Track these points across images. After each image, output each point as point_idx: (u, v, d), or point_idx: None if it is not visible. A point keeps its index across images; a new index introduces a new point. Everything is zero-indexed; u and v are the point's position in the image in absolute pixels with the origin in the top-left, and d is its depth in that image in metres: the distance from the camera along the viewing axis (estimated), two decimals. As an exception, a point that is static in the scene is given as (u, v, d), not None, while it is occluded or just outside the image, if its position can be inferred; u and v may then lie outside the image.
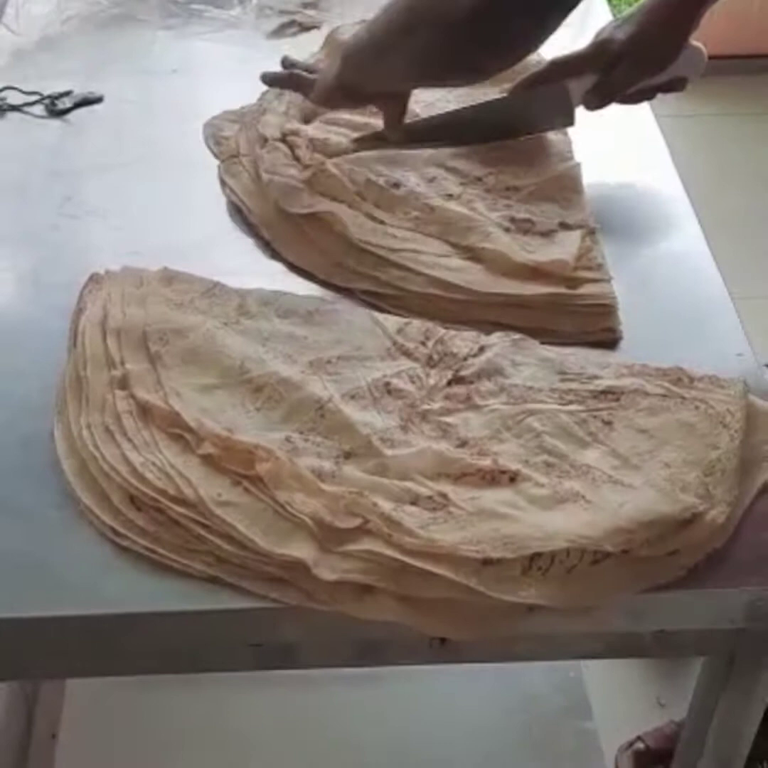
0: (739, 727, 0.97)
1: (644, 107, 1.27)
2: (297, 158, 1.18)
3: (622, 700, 1.67)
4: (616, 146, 1.25)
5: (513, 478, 0.88)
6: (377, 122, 1.20)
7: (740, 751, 1.00)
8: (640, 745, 1.57)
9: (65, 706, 1.57)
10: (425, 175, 1.16)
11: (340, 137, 1.21)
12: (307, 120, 1.25)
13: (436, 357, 0.99)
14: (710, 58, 1.17)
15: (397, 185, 1.14)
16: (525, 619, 0.82)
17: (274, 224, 1.14)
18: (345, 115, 1.23)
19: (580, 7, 1.04)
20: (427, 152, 1.20)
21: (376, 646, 0.87)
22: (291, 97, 1.25)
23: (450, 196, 1.13)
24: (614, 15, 1.48)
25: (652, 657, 0.95)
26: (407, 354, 0.99)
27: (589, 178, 1.17)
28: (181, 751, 1.52)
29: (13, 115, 1.32)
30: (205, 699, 1.56)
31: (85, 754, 1.53)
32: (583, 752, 1.46)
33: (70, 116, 1.32)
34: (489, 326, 1.02)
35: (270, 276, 1.09)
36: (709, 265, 1.11)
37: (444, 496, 0.86)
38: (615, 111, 1.19)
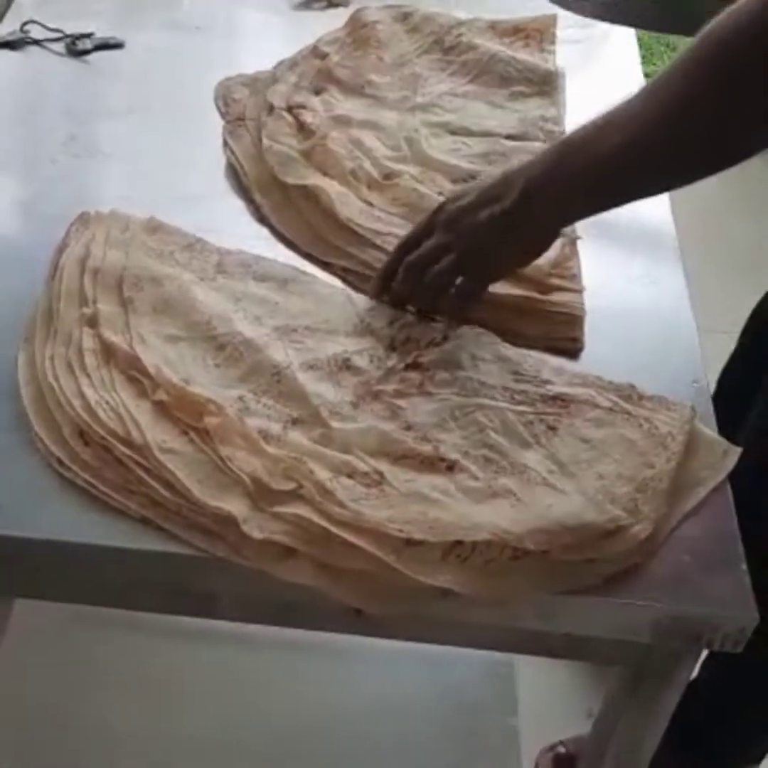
0: (639, 740, 1.00)
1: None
2: (300, 129, 1.20)
3: (551, 706, 1.69)
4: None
5: (450, 467, 0.91)
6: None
7: (639, 765, 1.02)
8: (562, 750, 1.59)
9: (9, 630, 1.60)
10: (419, 168, 1.18)
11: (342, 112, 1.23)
12: (317, 92, 1.27)
13: (399, 340, 1.01)
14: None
15: (389, 177, 1.16)
16: (439, 603, 0.84)
17: (267, 190, 1.16)
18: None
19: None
20: (425, 151, 1.22)
21: (294, 609, 0.89)
22: (304, 68, 1.27)
23: (441, 193, 1.15)
24: (640, 46, 1.50)
25: (561, 658, 0.97)
26: (372, 333, 1.02)
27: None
28: (104, 691, 1.55)
29: (33, 49, 1.34)
30: (145, 645, 1.58)
31: (20, 679, 1.55)
32: (502, 748, 1.48)
33: (89, 58, 1.34)
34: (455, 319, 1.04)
35: (254, 240, 1.11)
36: (682, 292, 1.13)
37: (380, 474, 0.89)
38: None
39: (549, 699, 1.67)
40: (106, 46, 1.35)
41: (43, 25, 1.35)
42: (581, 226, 1.14)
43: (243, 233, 1.12)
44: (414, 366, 0.99)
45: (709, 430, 0.97)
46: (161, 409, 0.92)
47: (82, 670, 1.59)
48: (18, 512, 0.87)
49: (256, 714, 1.54)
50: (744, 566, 0.89)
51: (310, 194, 1.14)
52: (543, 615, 0.87)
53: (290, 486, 0.87)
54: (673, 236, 1.19)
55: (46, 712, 1.53)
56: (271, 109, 1.22)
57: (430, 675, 1.54)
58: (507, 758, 1.49)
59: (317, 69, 1.29)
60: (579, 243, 1.12)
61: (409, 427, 0.94)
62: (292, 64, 1.30)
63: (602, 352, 1.05)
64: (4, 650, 1.58)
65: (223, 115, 1.27)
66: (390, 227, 1.12)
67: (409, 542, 0.84)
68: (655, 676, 0.94)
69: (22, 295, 1.02)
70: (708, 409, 1.00)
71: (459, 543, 0.85)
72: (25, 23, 1.35)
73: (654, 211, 1.22)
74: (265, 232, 1.14)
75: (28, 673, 1.57)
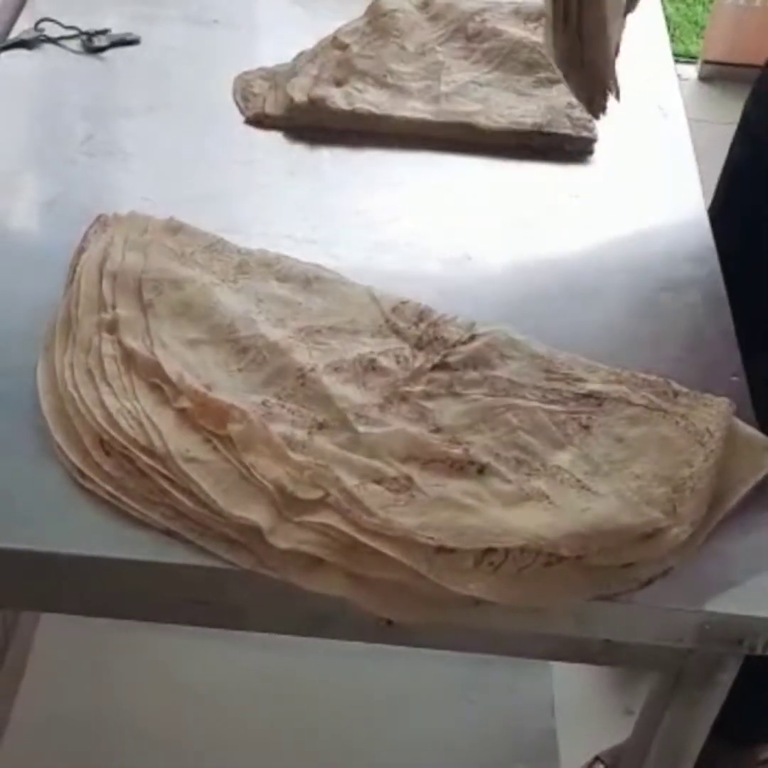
0: (682, 746, 0.97)
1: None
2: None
3: (588, 703, 1.66)
4: (645, 158, 1.25)
5: (481, 470, 0.88)
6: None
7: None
8: (600, 766, 1.55)
9: (37, 637, 1.59)
10: None
11: (365, 104, 1.21)
12: (338, 84, 1.24)
13: (425, 339, 0.98)
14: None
15: None
16: (471, 612, 0.82)
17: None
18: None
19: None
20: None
21: (323, 620, 0.87)
22: (323, 60, 1.25)
23: None
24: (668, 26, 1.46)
25: (599, 664, 0.95)
26: (398, 333, 0.99)
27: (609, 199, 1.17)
28: (141, 699, 1.54)
29: (48, 47, 1.32)
30: (175, 648, 1.57)
31: (50, 686, 1.54)
32: (539, 748, 1.46)
33: (105, 55, 1.32)
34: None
35: (275, 239, 1.09)
36: (719, 288, 1.09)
37: (409, 479, 0.86)
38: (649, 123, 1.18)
39: (586, 696, 1.65)
40: (122, 42, 1.33)
41: (58, 23, 1.33)
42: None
43: (265, 232, 1.10)
44: (442, 366, 0.96)
45: (748, 426, 0.94)
46: (184, 416, 0.89)
47: (112, 673, 1.59)
48: (39, 526, 0.85)
49: (288, 712, 1.53)
50: (788, 567, 0.86)
51: None
52: (579, 621, 0.85)
53: (317, 494, 0.84)
54: (707, 230, 1.16)
55: (78, 715, 1.53)
56: (291, 102, 1.20)
57: (463, 676, 1.52)
58: (545, 758, 1.47)
59: (337, 60, 1.26)
60: (608, 236, 1.09)
61: (438, 430, 0.91)
62: (311, 55, 1.27)
63: (635, 347, 1.03)
64: (35, 653, 1.58)
65: (242, 111, 1.25)
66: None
67: (440, 550, 0.82)
68: (696, 680, 0.91)
69: (42, 301, 1.00)
70: (746, 403, 0.97)
71: (491, 550, 0.82)
72: (40, 21, 1.33)
73: (685, 196, 1.19)
74: (287, 230, 1.11)
75: (59, 676, 1.57)
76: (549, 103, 1.24)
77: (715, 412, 0.93)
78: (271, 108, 1.22)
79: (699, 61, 3.05)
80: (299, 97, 1.20)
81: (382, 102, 1.22)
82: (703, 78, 3.01)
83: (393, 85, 1.24)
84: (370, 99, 1.22)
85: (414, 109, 1.22)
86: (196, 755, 1.48)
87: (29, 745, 1.49)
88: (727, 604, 0.84)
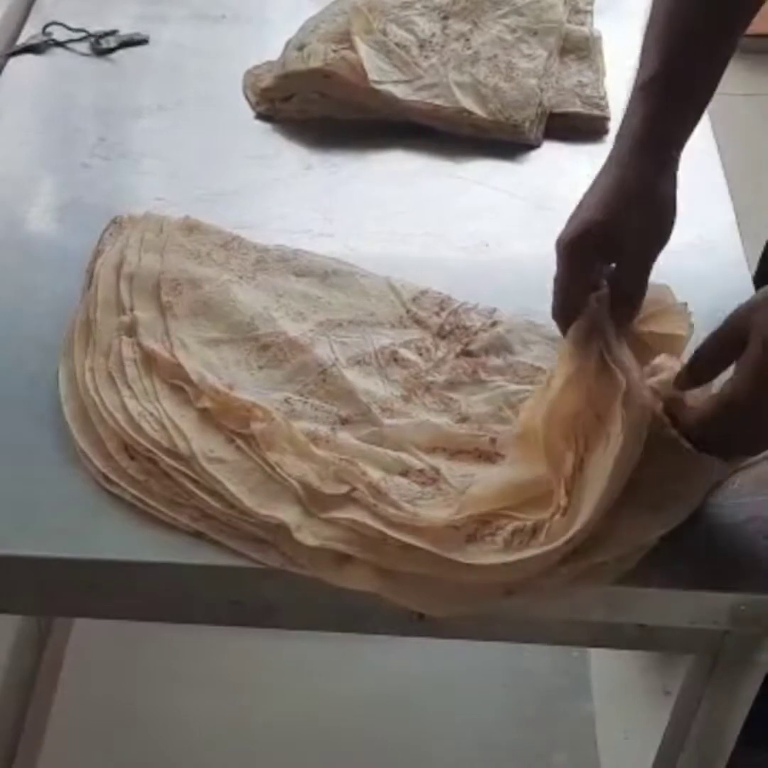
0: (722, 728, 0.96)
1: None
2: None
3: (627, 684, 1.65)
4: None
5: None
6: None
7: (722, 752, 0.98)
8: None
9: (71, 639, 1.59)
10: None
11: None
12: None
13: (447, 328, 0.98)
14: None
15: None
16: (502, 601, 0.81)
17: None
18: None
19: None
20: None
21: (355, 615, 0.86)
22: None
23: None
24: None
25: (635, 649, 0.94)
26: (419, 323, 0.98)
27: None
28: (179, 694, 1.54)
29: (57, 51, 1.32)
30: (210, 642, 1.57)
31: (86, 686, 1.55)
32: (577, 735, 1.45)
33: (114, 56, 1.31)
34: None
35: (292, 234, 1.08)
36: (742, 267, 1.08)
37: (436, 470, 0.86)
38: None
39: (623, 678, 1.64)
40: (130, 42, 1.32)
41: (65, 26, 1.33)
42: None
43: (281, 228, 1.09)
44: (465, 354, 0.95)
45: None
46: (206, 417, 0.89)
47: (156, 666, 1.59)
48: (66, 533, 0.84)
49: (325, 699, 1.52)
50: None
51: None
52: (612, 607, 0.84)
53: (342, 489, 0.83)
54: (727, 199, 1.14)
55: (123, 709, 1.53)
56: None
57: (500, 662, 1.52)
58: (583, 745, 1.46)
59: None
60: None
61: (464, 419, 0.90)
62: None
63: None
64: (70, 649, 1.58)
65: (252, 106, 1.24)
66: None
67: (470, 539, 0.81)
68: (733, 662, 0.90)
69: (60, 305, 1.00)
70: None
71: (519, 530, 0.80)
72: (47, 25, 1.33)
73: (706, 171, 1.18)
74: (303, 224, 1.11)
75: (103, 671, 1.57)
76: (559, 84, 1.23)
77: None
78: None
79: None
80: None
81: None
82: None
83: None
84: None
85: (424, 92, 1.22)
86: (242, 745, 1.48)
87: (72, 741, 1.50)
88: (760, 585, 0.83)
